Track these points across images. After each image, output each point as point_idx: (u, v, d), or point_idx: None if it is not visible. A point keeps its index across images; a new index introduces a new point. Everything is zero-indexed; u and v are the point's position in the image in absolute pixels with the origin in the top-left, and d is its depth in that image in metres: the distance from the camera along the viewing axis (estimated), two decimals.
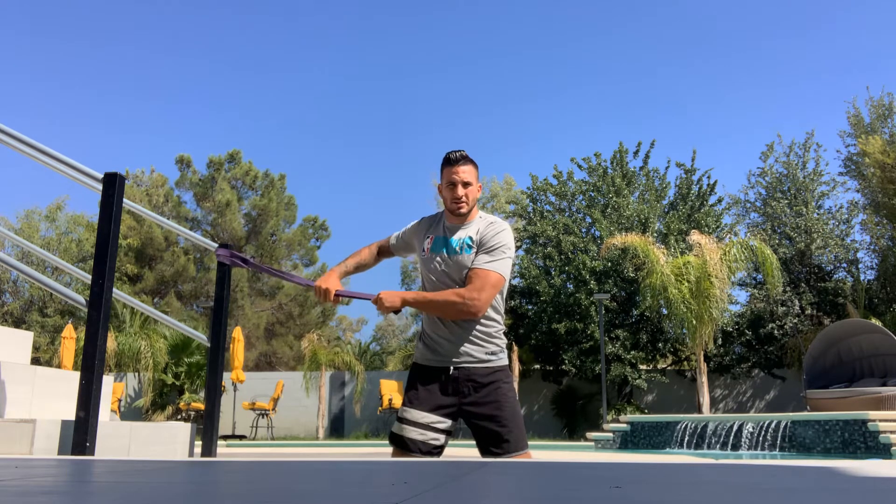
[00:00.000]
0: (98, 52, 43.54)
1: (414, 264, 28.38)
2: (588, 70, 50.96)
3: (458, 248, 2.74)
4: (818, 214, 19.76)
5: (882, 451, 8.87)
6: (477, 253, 2.72)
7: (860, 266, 20.25)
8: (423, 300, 2.71)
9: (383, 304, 2.68)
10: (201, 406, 16.90)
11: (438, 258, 2.76)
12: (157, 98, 47.28)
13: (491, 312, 2.76)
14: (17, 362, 4.00)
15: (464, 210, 2.76)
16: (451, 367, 2.72)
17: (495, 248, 2.71)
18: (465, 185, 2.74)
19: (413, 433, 2.71)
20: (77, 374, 3.29)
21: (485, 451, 2.73)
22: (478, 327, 2.73)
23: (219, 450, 4.22)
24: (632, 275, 17.74)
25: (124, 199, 3.39)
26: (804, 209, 19.61)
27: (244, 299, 24.96)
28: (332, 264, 2.92)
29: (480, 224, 2.79)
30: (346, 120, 53.81)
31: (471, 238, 2.74)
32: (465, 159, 2.76)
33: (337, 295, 2.77)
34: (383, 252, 3.04)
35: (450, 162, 2.75)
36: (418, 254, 2.87)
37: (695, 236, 15.00)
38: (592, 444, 12.32)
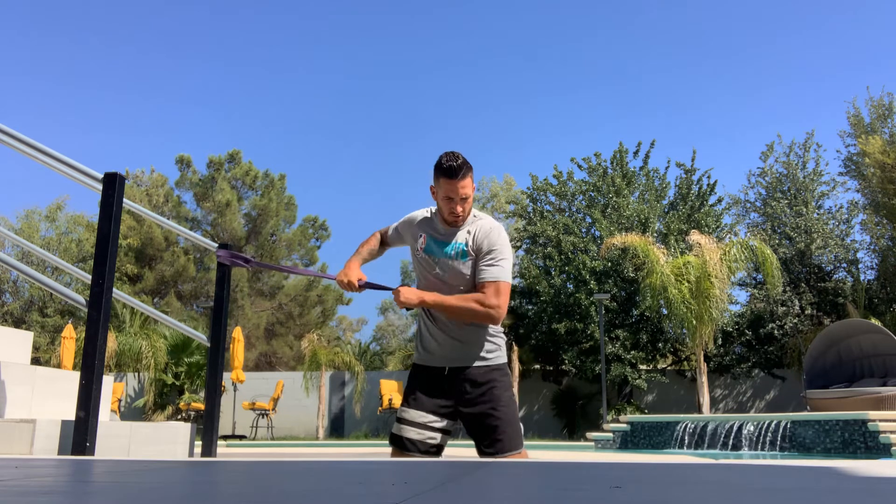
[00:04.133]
0: (98, 51, 43.56)
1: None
2: (588, 70, 50.99)
3: (453, 254, 2.71)
4: (818, 214, 19.76)
5: (882, 451, 8.86)
6: (477, 261, 2.68)
7: (860, 266, 20.25)
8: (444, 305, 2.66)
9: (399, 297, 2.67)
10: (201, 406, 16.89)
11: (432, 260, 2.74)
12: (157, 98, 47.31)
13: None
14: (17, 362, 3.99)
15: (460, 223, 2.74)
16: (447, 368, 2.72)
17: (496, 255, 2.68)
18: (464, 199, 2.67)
19: (411, 433, 2.71)
20: (77, 374, 3.29)
21: (480, 450, 2.73)
22: (451, 330, 2.72)
23: (219, 450, 4.22)
24: (632, 275, 17.74)
25: (124, 199, 3.39)
26: (804, 209, 19.60)
27: (244, 299, 24.95)
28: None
29: (472, 227, 2.74)
30: (346, 120, 53.83)
31: (466, 245, 2.70)
32: (465, 170, 2.64)
33: (360, 285, 2.78)
34: (384, 242, 3.03)
35: (448, 174, 2.62)
36: (412, 250, 2.85)
37: (695, 236, 14.99)
38: (592, 444, 12.31)
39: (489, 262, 2.67)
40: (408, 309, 2.74)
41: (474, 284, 2.69)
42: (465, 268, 2.69)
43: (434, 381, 2.74)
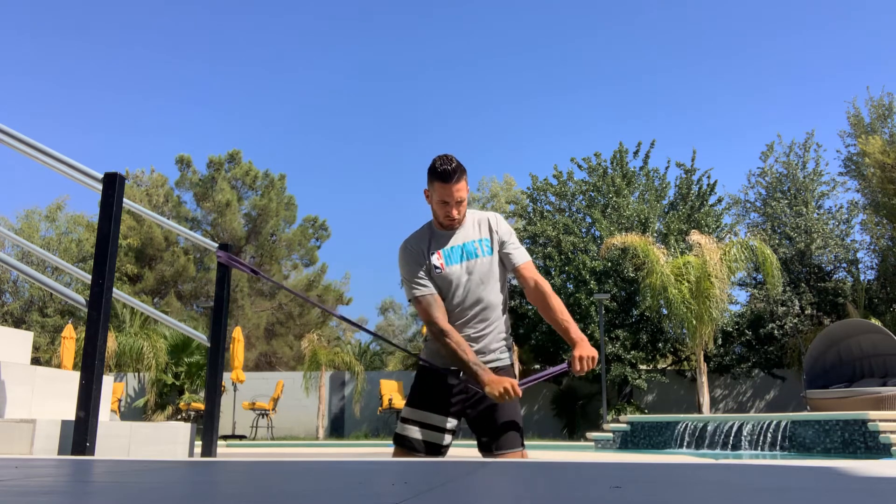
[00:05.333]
0: (98, 51, 43.57)
1: None
2: (588, 70, 51.00)
3: (478, 252, 2.74)
4: (818, 214, 19.76)
5: (882, 451, 8.86)
6: (502, 250, 2.78)
7: (860, 266, 20.26)
8: (572, 320, 2.82)
9: (592, 361, 2.67)
10: (201, 406, 16.89)
11: (461, 266, 2.72)
12: (157, 98, 47.31)
13: (502, 312, 2.78)
14: (17, 362, 3.99)
15: (457, 226, 2.75)
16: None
17: (515, 238, 2.83)
18: (459, 202, 2.67)
19: (419, 434, 2.70)
20: (77, 374, 3.28)
21: (481, 447, 2.74)
22: (488, 329, 2.73)
23: (219, 450, 4.22)
24: (632, 275, 17.74)
25: (124, 199, 3.38)
26: (804, 209, 19.61)
27: (244, 299, 24.95)
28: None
29: (475, 222, 2.79)
30: (346, 120, 53.83)
31: (489, 239, 2.76)
32: (459, 173, 2.63)
33: (521, 385, 2.65)
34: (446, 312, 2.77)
35: (443, 178, 2.61)
36: (431, 273, 2.73)
37: (695, 236, 15.00)
38: (592, 444, 12.32)
39: (515, 246, 2.81)
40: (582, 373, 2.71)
41: (499, 274, 2.78)
42: (493, 260, 2.76)
43: (442, 381, 2.73)
